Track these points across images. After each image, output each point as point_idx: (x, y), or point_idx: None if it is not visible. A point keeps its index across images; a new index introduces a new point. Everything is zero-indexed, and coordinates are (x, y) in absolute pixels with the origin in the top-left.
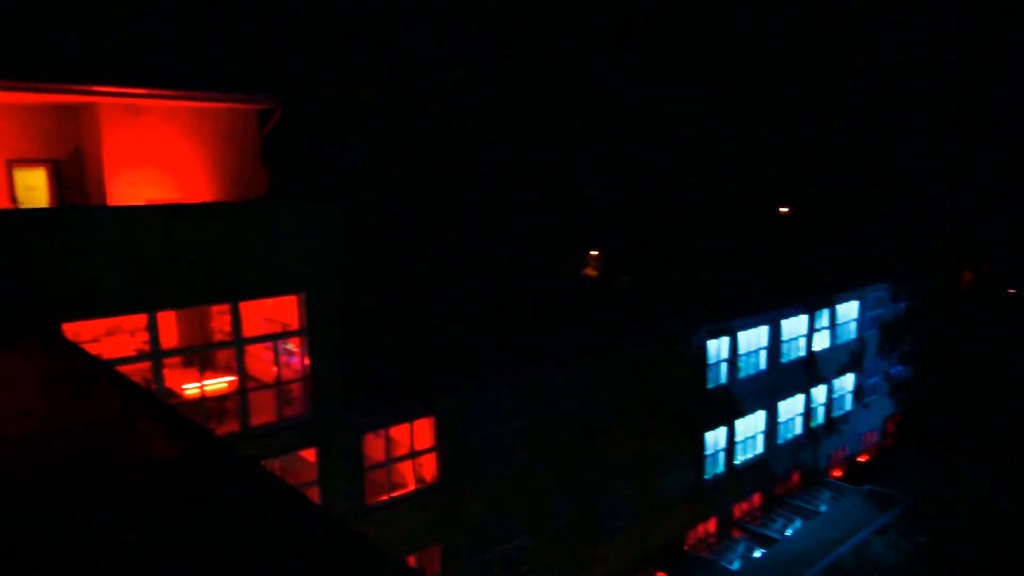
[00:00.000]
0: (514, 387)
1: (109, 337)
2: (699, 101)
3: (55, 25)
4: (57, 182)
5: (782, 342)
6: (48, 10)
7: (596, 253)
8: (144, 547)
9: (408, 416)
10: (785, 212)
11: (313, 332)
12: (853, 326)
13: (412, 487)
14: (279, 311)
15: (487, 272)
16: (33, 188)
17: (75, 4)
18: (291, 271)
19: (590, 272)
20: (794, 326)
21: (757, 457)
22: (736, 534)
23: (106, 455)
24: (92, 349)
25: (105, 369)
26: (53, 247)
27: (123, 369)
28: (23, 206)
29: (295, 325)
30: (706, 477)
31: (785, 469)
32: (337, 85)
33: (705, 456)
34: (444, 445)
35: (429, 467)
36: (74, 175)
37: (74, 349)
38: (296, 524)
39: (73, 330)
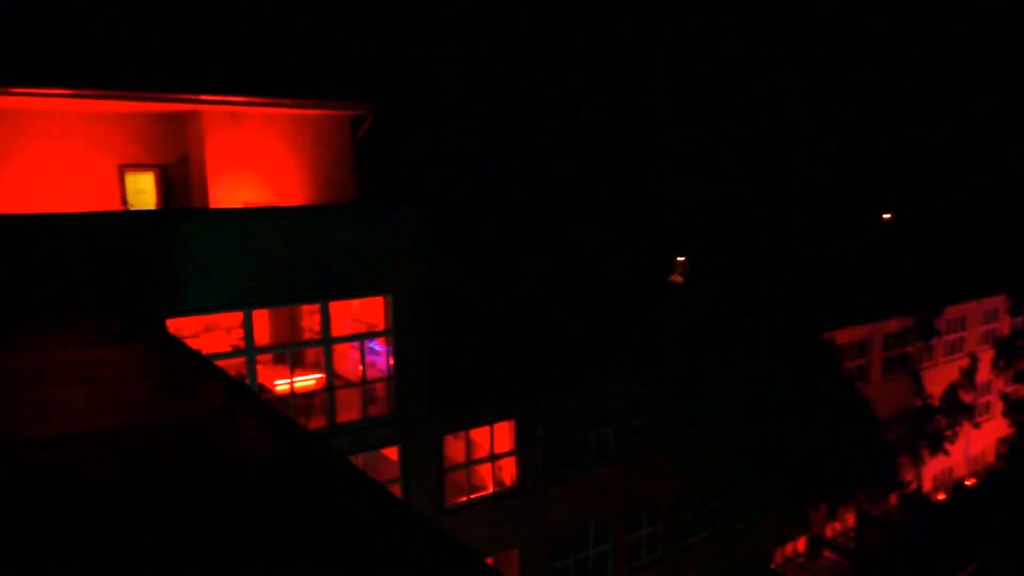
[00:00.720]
0: (597, 393)
1: (207, 333)
2: (805, 99)
3: (165, 38)
4: (163, 185)
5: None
6: (158, 24)
7: (683, 259)
8: (239, 539)
9: (489, 419)
10: (888, 218)
11: (398, 333)
12: (963, 340)
13: (491, 490)
14: (366, 311)
15: (573, 277)
16: (142, 191)
17: (182, 19)
18: (378, 273)
19: (676, 279)
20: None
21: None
22: (827, 554)
23: (208, 447)
24: (192, 345)
25: (207, 365)
26: (161, 247)
27: (219, 364)
28: (133, 208)
29: (381, 326)
30: None
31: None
32: (427, 91)
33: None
34: (524, 449)
35: (508, 470)
36: (179, 178)
37: (178, 344)
38: (383, 520)
39: (175, 326)
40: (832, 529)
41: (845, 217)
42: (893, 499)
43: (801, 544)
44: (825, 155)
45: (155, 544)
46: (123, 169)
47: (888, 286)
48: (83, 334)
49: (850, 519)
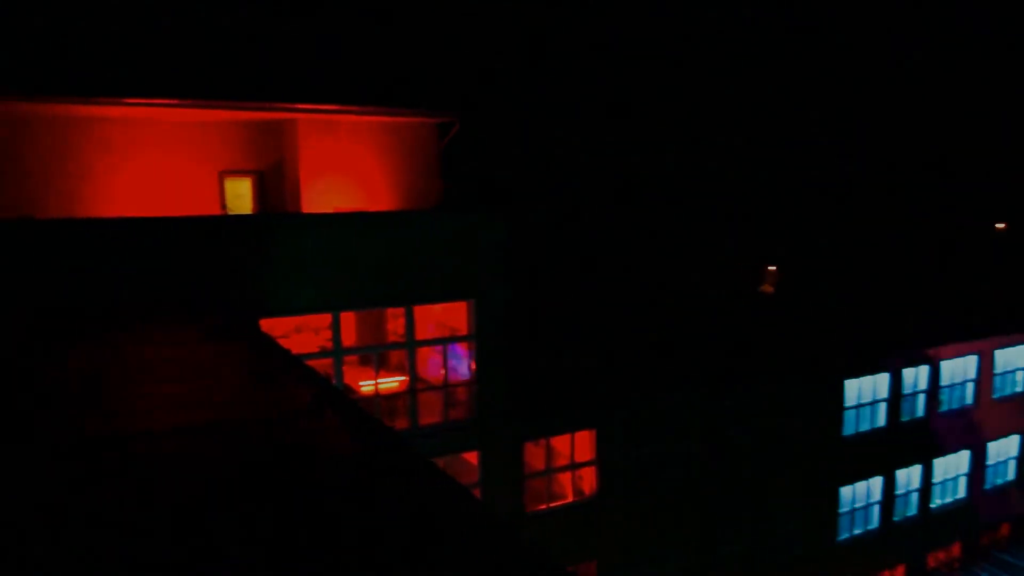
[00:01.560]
0: (681, 404)
1: (297, 334)
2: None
3: (264, 50)
4: (260, 190)
5: (995, 375)
6: (257, 37)
7: (773, 268)
8: (324, 538)
9: (570, 427)
10: (1002, 228)
11: (480, 338)
12: None
13: (570, 499)
14: (449, 316)
15: (659, 286)
16: (239, 196)
17: (279, 32)
18: (462, 278)
19: (767, 289)
20: (1010, 357)
21: (958, 502)
22: None
23: (296, 445)
24: (282, 344)
25: (298, 364)
26: (256, 249)
27: (308, 364)
28: (231, 212)
29: (463, 330)
30: (895, 519)
31: (993, 518)
32: (513, 99)
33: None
34: (605, 459)
35: (589, 480)
36: (274, 184)
37: (271, 344)
38: (467, 525)
39: (267, 326)
40: (935, 559)
41: (956, 225)
42: (1005, 529)
43: (900, 573)
44: (936, 161)
45: (238, 540)
46: (223, 175)
47: (1002, 299)
48: (184, 332)
49: (956, 549)
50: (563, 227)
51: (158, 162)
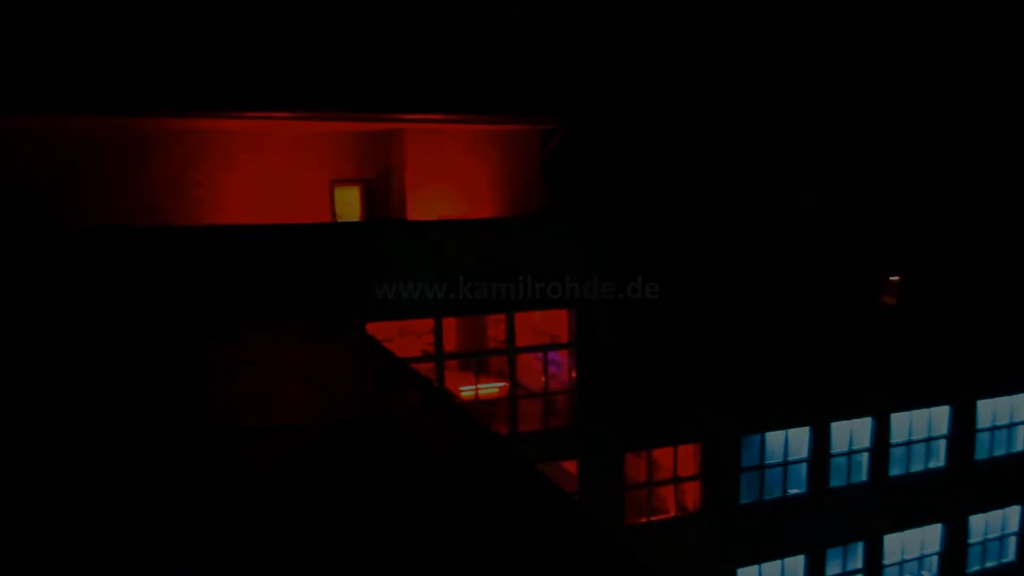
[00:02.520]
0: (793, 419)
1: (400, 338)
2: None
3: (373, 63)
4: (367, 198)
5: None
6: (368, 50)
7: (896, 278)
8: (432, 539)
9: (673, 440)
10: None
11: (580, 346)
12: None
13: (673, 513)
14: (549, 323)
15: (770, 296)
16: (348, 203)
17: (388, 44)
18: (563, 285)
19: (889, 300)
20: None
21: None
22: None
23: (404, 446)
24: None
25: (404, 368)
26: (365, 254)
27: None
28: (341, 219)
29: (564, 338)
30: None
31: None
32: (617, 106)
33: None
34: (710, 475)
35: (692, 495)
36: (380, 191)
37: (378, 347)
38: (572, 532)
39: (371, 329)
40: None
41: None
42: None
43: None
44: None
45: (346, 539)
46: (334, 184)
47: None
48: (296, 334)
49: None
50: (671, 232)
51: (274, 171)
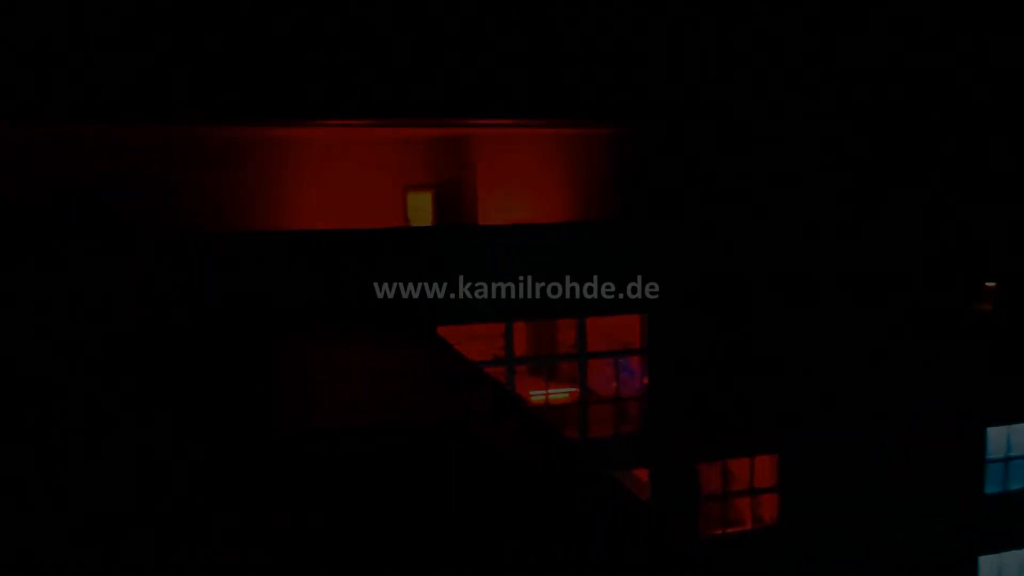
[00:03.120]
0: (879, 430)
1: (470, 342)
2: None
3: (446, 69)
4: (439, 203)
5: None
6: (439, 58)
7: (992, 284)
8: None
9: (749, 450)
10: None
11: (653, 352)
12: None
13: (749, 526)
14: (621, 329)
15: (856, 301)
16: (420, 208)
17: (453, 49)
18: (635, 290)
19: (985, 307)
20: None
21: None
22: None
23: (475, 450)
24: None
25: (477, 372)
26: (437, 259)
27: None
28: (414, 224)
29: (636, 344)
30: None
31: None
32: (695, 108)
33: None
34: (788, 487)
35: (770, 507)
36: (451, 196)
37: (450, 351)
38: (646, 539)
39: (443, 333)
40: None
41: None
42: None
43: None
44: None
45: (402, 544)
46: (407, 189)
47: None
48: (368, 337)
49: None
50: (749, 237)
51: (352, 177)
